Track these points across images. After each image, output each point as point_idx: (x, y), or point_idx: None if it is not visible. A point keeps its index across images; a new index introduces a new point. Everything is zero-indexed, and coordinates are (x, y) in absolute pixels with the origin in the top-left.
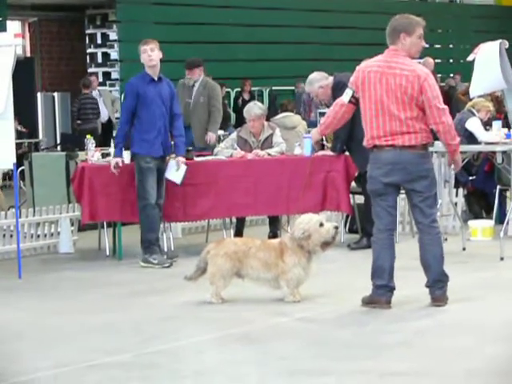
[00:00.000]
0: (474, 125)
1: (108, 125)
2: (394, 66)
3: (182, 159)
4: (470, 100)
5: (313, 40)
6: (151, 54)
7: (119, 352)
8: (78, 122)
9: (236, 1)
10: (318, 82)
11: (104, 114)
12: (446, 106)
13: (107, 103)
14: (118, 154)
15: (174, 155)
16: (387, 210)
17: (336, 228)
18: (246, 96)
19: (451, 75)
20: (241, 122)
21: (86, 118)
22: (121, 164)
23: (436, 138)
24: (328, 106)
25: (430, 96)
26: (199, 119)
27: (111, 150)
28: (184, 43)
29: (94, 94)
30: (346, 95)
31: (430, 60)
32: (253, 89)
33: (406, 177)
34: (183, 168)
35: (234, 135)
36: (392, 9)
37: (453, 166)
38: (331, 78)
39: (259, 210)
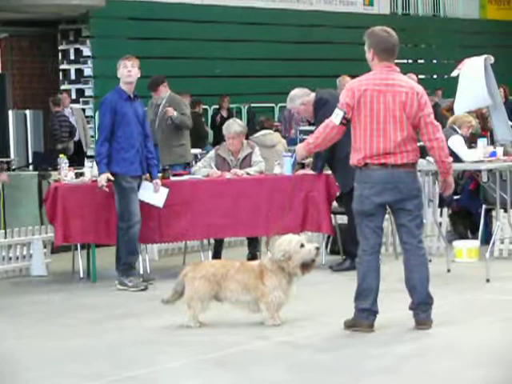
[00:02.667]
0: (455, 143)
1: (79, 144)
2: (392, 82)
3: (159, 182)
4: None
5: (293, 56)
6: (131, 70)
7: (94, 378)
8: (55, 141)
9: (214, 16)
10: (300, 98)
11: (76, 133)
12: (439, 123)
13: (79, 122)
14: (104, 171)
15: (146, 176)
16: (375, 231)
17: (317, 249)
18: (225, 113)
19: (435, 92)
20: (219, 140)
21: (61, 136)
22: (112, 178)
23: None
24: (310, 123)
25: (426, 113)
26: (165, 136)
27: (85, 169)
28: (160, 59)
29: (67, 112)
30: (337, 117)
31: (414, 76)
32: (231, 106)
33: (397, 196)
34: (164, 190)
35: (211, 153)
36: (374, 23)
37: (441, 190)
38: (313, 95)
39: (238, 231)
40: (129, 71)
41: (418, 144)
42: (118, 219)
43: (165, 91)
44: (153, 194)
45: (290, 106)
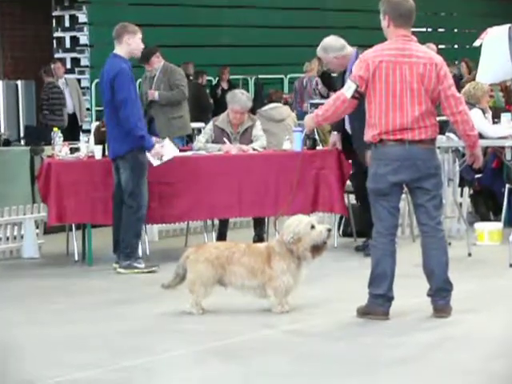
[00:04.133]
0: (475, 118)
1: (74, 117)
2: (409, 53)
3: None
4: None
5: (304, 24)
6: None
7: (89, 367)
8: (46, 112)
9: None
10: (335, 52)
11: (70, 105)
12: (461, 95)
13: (73, 93)
14: (152, 145)
15: None
16: (390, 212)
17: (329, 230)
18: (225, 85)
19: (456, 62)
20: (219, 113)
21: (52, 109)
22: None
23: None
24: (322, 96)
25: (446, 85)
26: (162, 108)
27: (81, 144)
28: (162, 26)
29: (61, 82)
30: (349, 90)
31: (433, 46)
32: (237, 77)
33: (414, 174)
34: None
35: (210, 125)
36: None
37: (469, 163)
38: (350, 49)
39: (244, 212)
40: (141, 42)
41: (438, 119)
42: (128, 198)
43: (158, 62)
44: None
45: (322, 55)
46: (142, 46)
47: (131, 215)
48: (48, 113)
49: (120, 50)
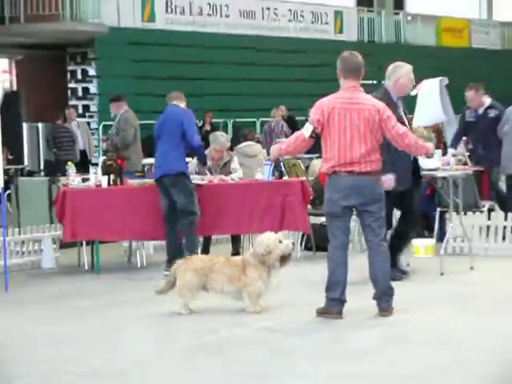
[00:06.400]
0: None
1: (84, 153)
2: (357, 101)
3: None
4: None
5: (274, 77)
6: None
7: (92, 361)
8: (54, 150)
9: (204, 41)
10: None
11: (81, 143)
12: (404, 128)
13: (84, 134)
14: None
15: None
16: (343, 230)
17: (293, 244)
18: (208, 127)
19: None
20: None
21: (60, 146)
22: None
23: None
24: (287, 136)
25: (390, 126)
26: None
27: (90, 175)
28: (158, 80)
29: (73, 125)
30: (308, 131)
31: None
32: (218, 120)
33: (361, 200)
34: None
35: (195, 161)
36: (343, 49)
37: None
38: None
39: (224, 230)
40: None
41: None
42: (189, 215)
43: (117, 109)
44: None
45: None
46: None
47: (194, 228)
48: (56, 150)
49: (180, 104)
